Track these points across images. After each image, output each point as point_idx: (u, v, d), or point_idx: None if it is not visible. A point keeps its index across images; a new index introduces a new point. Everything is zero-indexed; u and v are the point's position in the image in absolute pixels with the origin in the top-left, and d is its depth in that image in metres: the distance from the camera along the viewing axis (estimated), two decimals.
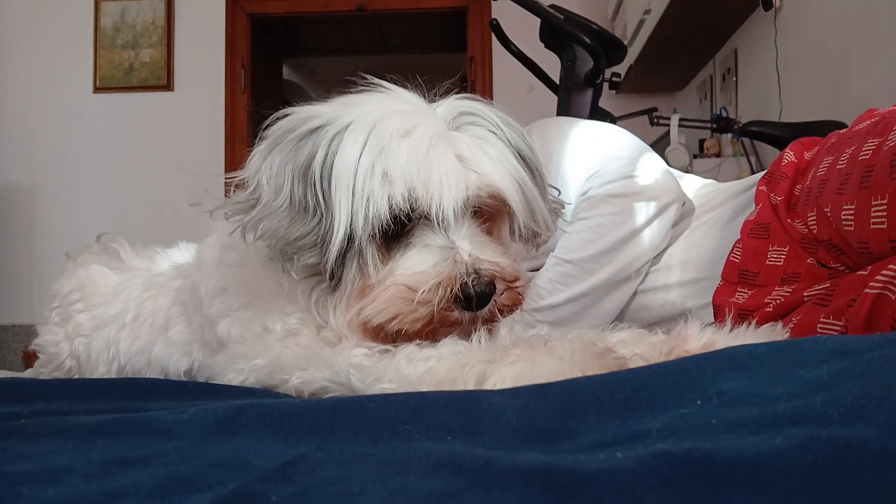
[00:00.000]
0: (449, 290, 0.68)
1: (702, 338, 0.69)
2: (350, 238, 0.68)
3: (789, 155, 1.07)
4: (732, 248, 1.05)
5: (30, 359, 2.30)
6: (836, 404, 0.32)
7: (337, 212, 0.68)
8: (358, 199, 0.67)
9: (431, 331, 0.71)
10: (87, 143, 4.04)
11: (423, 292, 0.68)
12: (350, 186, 0.68)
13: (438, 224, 0.70)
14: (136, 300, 1.01)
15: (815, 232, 0.92)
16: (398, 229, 0.70)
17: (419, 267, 0.70)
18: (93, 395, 0.64)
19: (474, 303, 0.68)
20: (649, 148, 1.29)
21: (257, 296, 0.79)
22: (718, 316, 1.04)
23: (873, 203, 0.79)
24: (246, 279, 0.80)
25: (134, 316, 0.99)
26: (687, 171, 1.52)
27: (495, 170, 0.70)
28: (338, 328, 0.73)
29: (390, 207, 0.67)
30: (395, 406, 0.43)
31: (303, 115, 0.74)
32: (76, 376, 1.09)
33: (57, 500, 0.33)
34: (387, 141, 0.69)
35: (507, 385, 0.58)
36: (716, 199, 1.20)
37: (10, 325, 3.88)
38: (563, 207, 0.85)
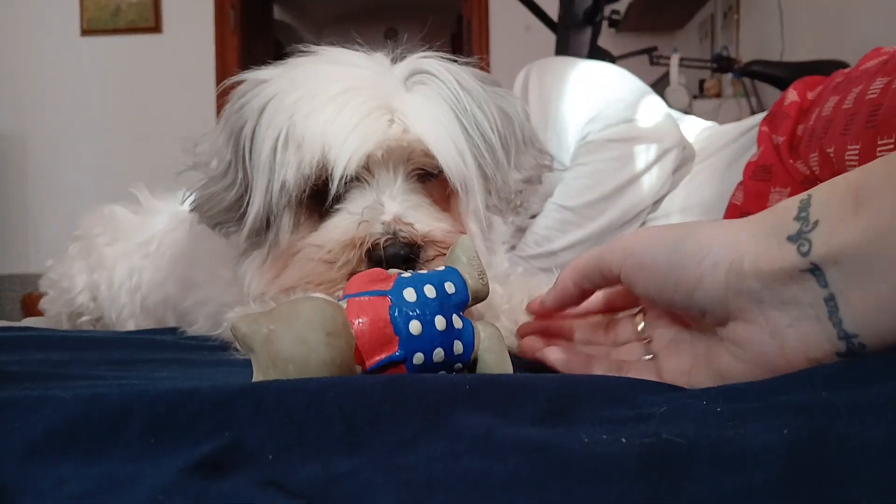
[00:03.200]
0: (358, 250, 0.62)
1: None
2: (270, 210, 0.66)
3: (792, 94, 1.05)
4: (734, 191, 1.04)
5: (27, 307, 2.31)
6: (843, 397, 0.32)
7: (254, 184, 0.66)
8: (272, 170, 0.65)
9: None
10: (77, 88, 3.97)
11: (328, 251, 0.64)
12: (266, 158, 0.66)
13: (366, 184, 0.65)
14: (161, 231, 1.00)
15: (817, 173, 0.90)
16: (328, 196, 0.66)
17: (333, 228, 0.65)
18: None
19: (386, 266, 0.60)
20: (650, 89, 1.27)
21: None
22: None
23: (879, 142, 0.77)
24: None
25: (157, 246, 0.99)
26: (687, 113, 1.49)
27: (427, 126, 0.65)
28: (255, 295, 0.70)
29: (302, 175, 0.64)
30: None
31: (249, 83, 0.71)
32: (85, 318, 1.09)
33: None
34: (303, 106, 0.65)
35: None
36: (717, 143, 1.18)
37: (6, 274, 3.88)
38: (547, 171, 0.80)
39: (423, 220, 0.65)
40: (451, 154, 0.66)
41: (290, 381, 0.37)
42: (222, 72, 3.96)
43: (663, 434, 0.31)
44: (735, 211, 1.02)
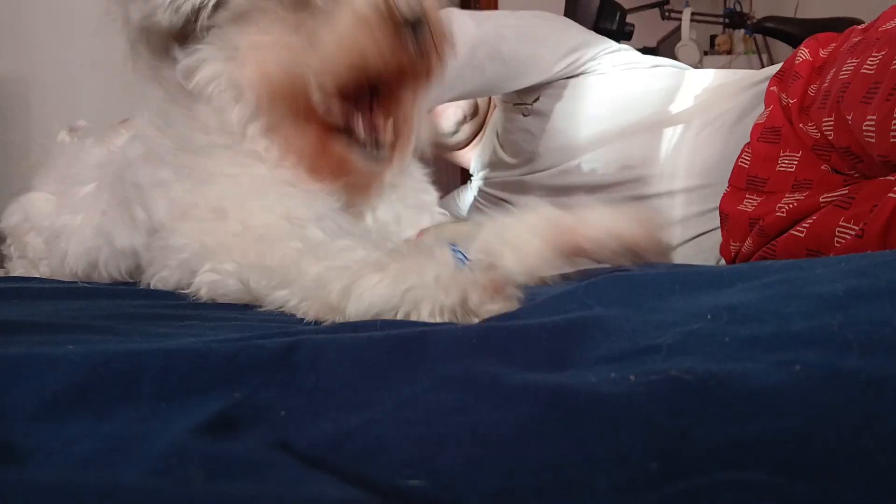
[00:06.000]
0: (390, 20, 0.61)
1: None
2: None
3: (804, 53, 1.03)
4: (741, 153, 1.03)
5: None
6: (853, 329, 0.31)
7: None
8: None
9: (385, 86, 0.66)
10: (77, 28, 3.91)
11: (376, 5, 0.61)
12: None
13: None
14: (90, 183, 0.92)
15: (830, 138, 0.89)
16: None
17: None
18: None
19: (413, 25, 0.62)
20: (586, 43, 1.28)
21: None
22: (725, 224, 1.03)
23: (894, 115, 0.76)
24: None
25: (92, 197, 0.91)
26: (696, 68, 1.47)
27: None
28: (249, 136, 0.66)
29: None
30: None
31: None
32: None
33: None
34: None
35: (363, 307, 0.50)
36: (724, 96, 1.16)
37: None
38: None
39: None
40: None
41: (296, 338, 0.38)
42: None
43: (671, 370, 0.30)
44: (742, 174, 1.01)
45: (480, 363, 0.35)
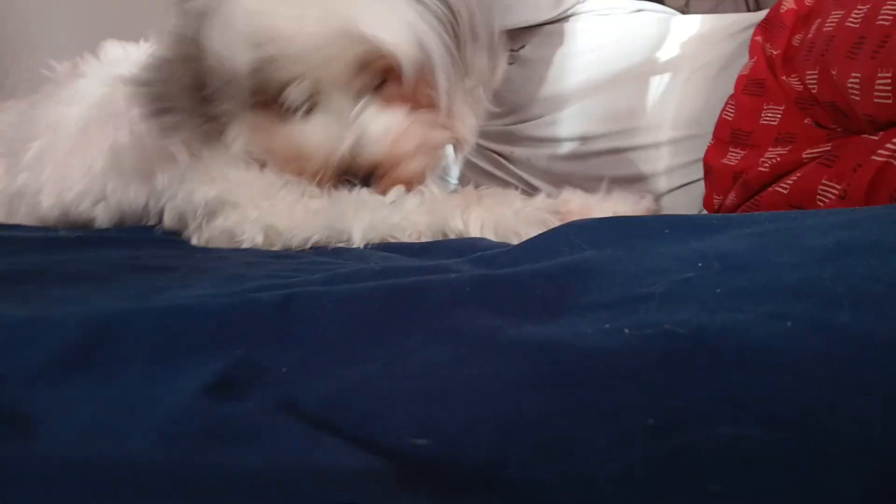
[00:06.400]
0: (328, 167, 0.71)
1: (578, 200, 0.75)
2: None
3: (788, 1, 1.01)
4: (725, 105, 1.02)
5: None
6: (844, 282, 0.32)
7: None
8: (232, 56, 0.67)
9: None
10: None
11: (311, 162, 0.71)
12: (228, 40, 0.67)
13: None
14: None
15: (813, 91, 0.88)
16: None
17: (309, 138, 0.71)
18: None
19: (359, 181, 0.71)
20: None
21: None
22: (709, 177, 1.03)
23: (878, 75, 0.75)
24: None
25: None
26: (684, 13, 1.44)
27: (384, 22, 0.67)
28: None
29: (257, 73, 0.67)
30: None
31: None
32: None
33: None
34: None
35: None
36: (711, 43, 1.14)
37: None
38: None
39: (379, 140, 0.70)
40: (412, 49, 0.68)
41: (291, 290, 0.38)
42: None
43: (664, 323, 0.31)
44: (725, 126, 1.01)
45: (475, 315, 0.35)
